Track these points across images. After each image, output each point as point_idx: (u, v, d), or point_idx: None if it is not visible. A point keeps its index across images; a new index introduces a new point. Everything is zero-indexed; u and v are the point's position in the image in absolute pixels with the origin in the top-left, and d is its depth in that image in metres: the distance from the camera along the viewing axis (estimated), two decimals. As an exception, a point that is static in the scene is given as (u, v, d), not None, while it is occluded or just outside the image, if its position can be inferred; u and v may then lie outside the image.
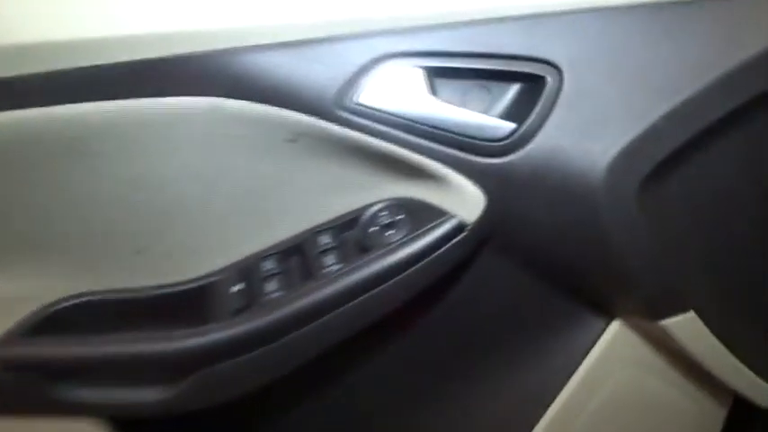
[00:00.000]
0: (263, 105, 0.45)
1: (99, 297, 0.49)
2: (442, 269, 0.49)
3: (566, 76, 0.48)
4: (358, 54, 0.47)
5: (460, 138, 0.48)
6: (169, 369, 0.46)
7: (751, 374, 0.57)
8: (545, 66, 0.48)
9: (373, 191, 0.50)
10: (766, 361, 0.58)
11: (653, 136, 0.47)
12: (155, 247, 0.48)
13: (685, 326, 0.52)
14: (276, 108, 0.45)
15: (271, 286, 0.48)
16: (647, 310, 0.52)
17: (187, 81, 0.44)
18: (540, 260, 0.52)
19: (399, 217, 0.49)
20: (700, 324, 0.53)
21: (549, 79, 0.48)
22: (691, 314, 0.52)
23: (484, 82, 0.49)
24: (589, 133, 0.47)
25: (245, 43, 0.44)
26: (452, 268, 0.50)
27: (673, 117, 0.47)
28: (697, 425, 0.63)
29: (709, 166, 0.51)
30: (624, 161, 0.46)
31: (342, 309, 0.47)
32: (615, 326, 0.55)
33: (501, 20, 0.49)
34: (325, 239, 0.49)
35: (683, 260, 0.52)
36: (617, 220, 0.48)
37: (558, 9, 0.49)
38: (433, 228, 0.48)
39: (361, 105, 0.47)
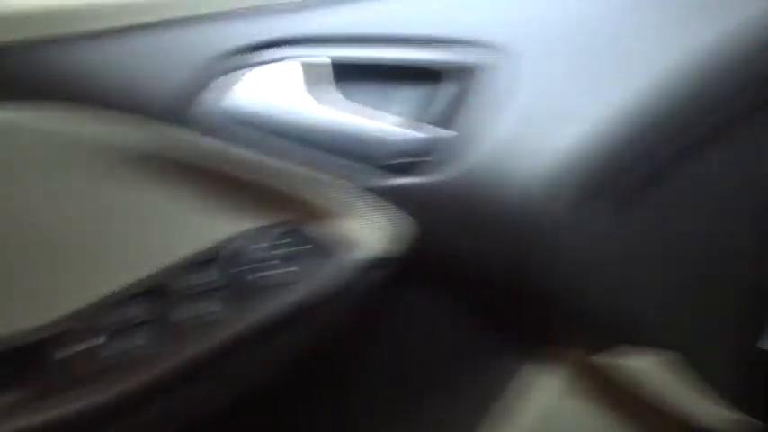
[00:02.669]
0: (88, 111, 0.34)
1: None
2: (346, 309, 0.40)
3: (506, 64, 0.38)
4: (221, 41, 0.36)
5: (365, 151, 0.38)
6: None
7: (718, 407, 0.49)
8: (479, 51, 0.38)
9: (253, 217, 0.39)
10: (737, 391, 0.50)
11: (619, 143, 0.37)
12: None
13: (641, 362, 0.44)
14: (111, 114, 0.35)
15: (119, 344, 0.37)
16: (596, 345, 0.43)
17: None
18: (473, 291, 0.43)
19: (288, 249, 0.39)
20: (659, 359, 0.45)
21: (485, 69, 0.37)
22: (654, 351, 0.44)
23: (397, 76, 0.39)
24: (534, 140, 0.37)
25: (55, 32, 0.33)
26: (363, 304, 0.40)
27: (646, 121, 0.38)
28: None
29: (694, 182, 0.42)
30: (574, 176, 0.37)
31: (219, 369, 0.37)
32: (552, 360, 0.46)
33: None
34: (192, 279, 0.38)
35: (644, 289, 0.44)
36: (564, 248, 0.39)
37: None
38: (335, 261, 0.38)
39: (230, 109, 0.36)
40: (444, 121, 0.38)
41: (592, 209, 0.38)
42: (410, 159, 0.38)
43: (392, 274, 0.40)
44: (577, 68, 0.38)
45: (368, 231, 0.39)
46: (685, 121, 0.38)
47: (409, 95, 0.40)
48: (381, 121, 0.38)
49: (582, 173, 0.37)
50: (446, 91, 0.39)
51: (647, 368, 0.44)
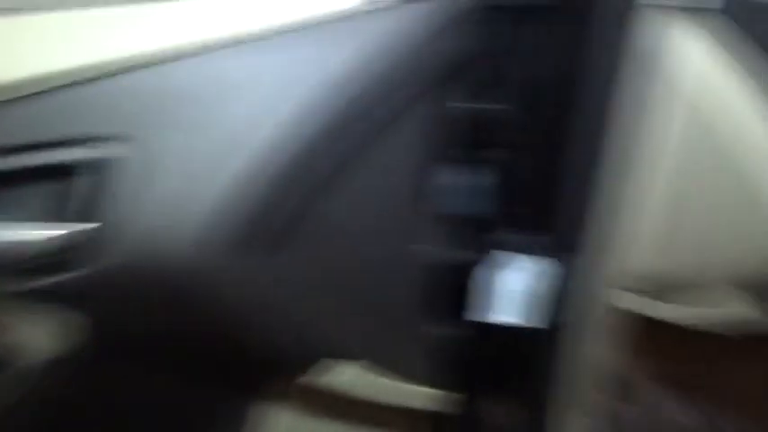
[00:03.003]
0: None
1: None
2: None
3: (136, 152, 0.39)
4: None
5: (6, 259, 0.38)
6: None
7: (420, 389, 0.54)
8: (107, 145, 0.39)
9: None
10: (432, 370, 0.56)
11: (257, 193, 0.39)
12: None
13: (343, 374, 0.48)
14: None
15: None
16: (284, 371, 0.47)
17: None
18: (160, 362, 0.46)
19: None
20: (354, 368, 0.49)
21: (113, 159, 0.38)
22: (343, 362, 0.48)
23: (30, 178, 0.39)
24: (177, 213, 0.39)
25: None
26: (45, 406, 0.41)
27: (278, 167, 0.39)
28: None
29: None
30: (222, 235, 0.39)
31: None
32: (272, 391, 0.51)
33: (35, 97, 0.37)
34: None
35: (321, 313, 0.47)
36: (232, 298, 0.41)
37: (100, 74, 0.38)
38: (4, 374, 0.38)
39: None
40: (86, 214, 0.39)
41: (248, 256, 0.40)
42: (54, 258, 0.38)
43: (73, 369, 0.40)
44: (203, 140, 0.39)
45: (31, 336, 0.38)
46: (315, 157, 0.40)
47: (45, 196, 0.40)
48: (16, 227, 0.38)
49: (228, 229, 0.39)
50: (81, 186, 0.39)
51: (348, 378, 0.48)
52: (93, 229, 0.38)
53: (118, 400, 0.46)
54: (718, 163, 0.47)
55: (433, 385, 0.55)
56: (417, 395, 0.53)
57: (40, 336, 0.38)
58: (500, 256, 0.62)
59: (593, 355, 0.68)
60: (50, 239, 0.38)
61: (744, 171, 0.46)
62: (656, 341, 1.02)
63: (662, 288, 0.60)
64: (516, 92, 0.56)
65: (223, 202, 0.38)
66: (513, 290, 0.66)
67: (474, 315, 0.62)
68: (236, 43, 0.39)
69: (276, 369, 0.48)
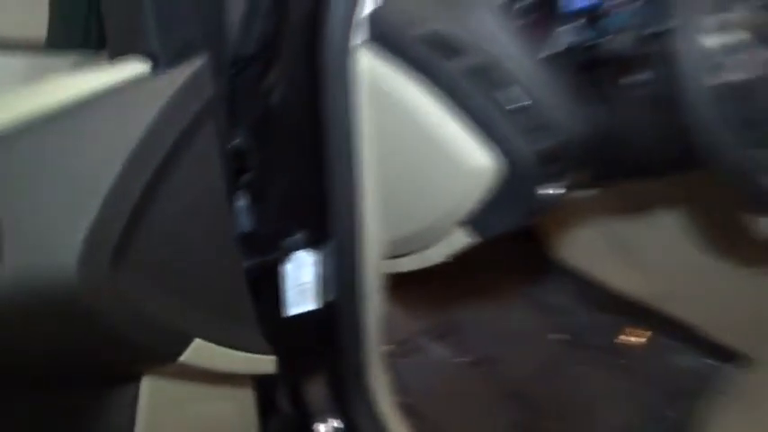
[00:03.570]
0: None
1: None
2: None
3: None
4: None
5: None
6: None
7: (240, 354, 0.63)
8: None
9: None
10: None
11: (95, 227, 0.45)
12: None
13: (196, 352, 0.56)
14: None
15: None
16: (165, 358, 0.55)
17: None
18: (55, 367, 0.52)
19: None
20: (205, 344, 0.58)
21: None
22: (196, 342, 0.56)
23: None
24: (45, 245, 0.45)
25: None
26: None
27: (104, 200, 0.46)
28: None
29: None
30: (88, 252, 0.45)
31: None
32: (146, 382, 0.58)
33: None
34: None
35: (169, 300, 0.54)
36: (94, 304, 0.47)
37: None
38: None
39: None
40: None
41: (106, 270, 0.46)
42: None
43: None
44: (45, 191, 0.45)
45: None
46: (132, 189, 0.47)
47: None
48: None
49: (89, 253, 0.44)
50: None
51: (196, 354, 0.56)
52: None
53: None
54: (412, 145, 0.69)
55: (261, 353, 0.66)
56: (250, 362, 0.64)
57: None
58: (292, 255, 0.77)
59: (375, 320, 0.84)
60: None
61: (430, 147, 0.68)
62: (415, 298, 1.26)
63: (400, 247, 0.81)
64: (261, 124, 0.72)
65: (83, 233, 0.44)
66: (301, 282, 0.81)
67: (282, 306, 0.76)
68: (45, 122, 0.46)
69: (150, 356, 0.54)
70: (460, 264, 0.81)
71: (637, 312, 1.28)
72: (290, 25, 0.68)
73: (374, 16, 0.67)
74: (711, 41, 0.60)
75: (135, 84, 0.49)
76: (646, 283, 1.26)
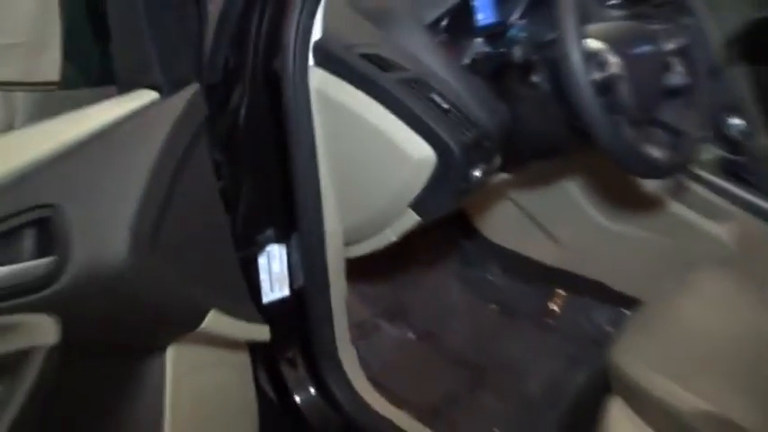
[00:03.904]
0: None
1: None
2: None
3: (65, 209, 0.55)
4: None
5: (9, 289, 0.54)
6: None
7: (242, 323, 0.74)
8: (45, 209, 0.56)
9: None
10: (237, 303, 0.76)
11: (135, 222, 0.56)
12: None
13: (212, 321, 0.66)
14: None
15: None
16: (191, 325, 0.65)
17: None
18: (105, 338, 0.63)
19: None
20: (219, 315, 0.68)
21: (54, 217, 0.55)
22: (212, 312, 0.67)
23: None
24: (100, 239, 0.55)
25: None
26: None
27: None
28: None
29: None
30: (134, 242, 0.55)
31: None
32: (171, 351, 0.68)
33: None
34: None
35: (190, 278, 0.65)
36: (139, 283, 0.57)
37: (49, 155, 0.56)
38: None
39: None
40: (47, 251, 0.55)
41: (147, 256, 0.57)
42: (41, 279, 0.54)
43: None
44: (100, 196, 0.57)
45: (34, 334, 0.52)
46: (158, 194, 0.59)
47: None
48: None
49: (133, 244, 0.55)
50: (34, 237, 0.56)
51: (212, 322, 0.66)
52: (46, 264, 0.54)
53: (79, 384, 0.58)
54: (363, 145, 0.83)
55: (259, 323, 0.78)
56: (252, 330, 0.76)
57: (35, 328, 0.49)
58: (265, 249, 0.89)
59: (341, 301, 0.97)
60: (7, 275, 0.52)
61: (379, 145, 0.81)
62: (366, 285, 1.39)
63: (358, 233, 0.94)
64: (230, 139, 0.83)
65: (130, 227, 0.55)
66: (274, 272, 0.94)
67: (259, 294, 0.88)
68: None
69: (175, 326, 0.65)
70: (401, 250, 0.95)
71: (556, 278, 1.48)
72: (250, 55, 0.81)
73: (319, 43, 0.81)
74: (587, 47, 0.79)
75: (150, 109, 0.61)
76: (558, 252, 1.46)
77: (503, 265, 1.56)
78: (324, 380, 0.98)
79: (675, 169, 0.92)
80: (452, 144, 0.78)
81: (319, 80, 0.81)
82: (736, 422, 0.66)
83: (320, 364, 0.98)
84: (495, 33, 0.96)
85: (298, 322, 0.96)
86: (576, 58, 0.73)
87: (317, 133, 0.83)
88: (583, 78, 0.74)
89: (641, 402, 0.74)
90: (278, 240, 0.92)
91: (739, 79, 1.45)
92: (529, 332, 1.44)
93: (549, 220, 1.45)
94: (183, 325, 0.65)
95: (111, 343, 0.63)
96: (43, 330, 0.50)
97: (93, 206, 0.55)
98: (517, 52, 0.87)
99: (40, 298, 0.53)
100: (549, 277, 1.49)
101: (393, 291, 1.44)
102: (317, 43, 0.80)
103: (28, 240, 0.55)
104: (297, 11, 0.76)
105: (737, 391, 0.71)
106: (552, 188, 1.40)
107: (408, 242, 0.94)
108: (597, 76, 0.77)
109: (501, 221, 1.55)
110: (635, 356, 0.77)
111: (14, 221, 0.54)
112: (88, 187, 0.56)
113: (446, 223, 0.87)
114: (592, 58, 0.76)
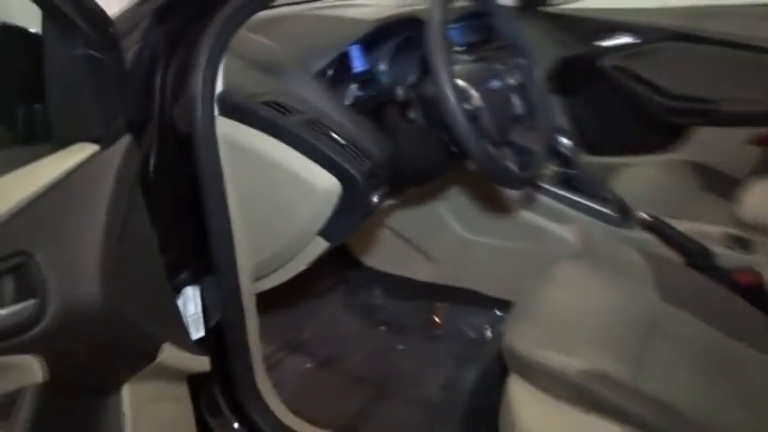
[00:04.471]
0: None
1: None
2: None
3: (38, 254, 0.58)
4: None
5: None
6: None
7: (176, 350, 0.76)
8: (21, 256, 0.58)
9: None
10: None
11: (102, 264, 0.60)
12: None
13: (165, 353, 0.71)
14: None
15: None
16: (148, 359, 0.69)
17: None
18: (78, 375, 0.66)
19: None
20: (170, 347, 0.73)
21: (30, 263, 0.58)
22: (164, 345, 0.71)
23: None
24: (74, 279, 0.59)
25: None
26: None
27: None
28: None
29: None
30: (103, 279, 0.59)
31: None
32: (127, 387, 0.70)
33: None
34: None
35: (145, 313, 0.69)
36: (110, 318, 0.61)
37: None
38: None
39: None
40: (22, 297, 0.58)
41: (115, 291, 0.61)
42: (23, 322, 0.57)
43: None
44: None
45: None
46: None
47: None
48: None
49: (108, 278, 0.59)
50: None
51: (166, 354, 0.71)
52: (28, 307, 0.55)
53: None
54: (271, 183, 0.91)
55: (200, 354, 0.82)
56: (196, 361, 0.80)
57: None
58: (183, 291, 0.92)
59: (254, 333, 1.02)
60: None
61: (286, 181, 0.89)
62: (267, 322, 1.44)
63: (268, 266, 1.01)
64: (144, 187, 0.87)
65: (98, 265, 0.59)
66: (189, 313, 0.96)
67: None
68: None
69: (137, 360, 0.67)
70: (295, 289, 1.02)
71: (435, 293, 1.64)
72: (156, 107, 0.86)
73: (223, 94, 0.88)
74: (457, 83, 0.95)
75: (94, 160, 0.64)
76: (434, 268, 1.62)
77: (385, 288, 1.69)
78: (245, 411, 1.02)
79: (530, 180, 1.11)
80: (356, 173, 0.89)
81: (226, 128, 0.88)
82: (610, 374, 0.83)
83: (240, 394, 1.02)
84: (366, 79, 1.11)
85: (215, 358, 0.98)
86: (451, 94, 0.89)
87: (226, 178, 0.89)
88: (458, 110, 0.90)
89: (536, 374, 0.88)
90: (192, 282, 0.96)
91: (558, 107, 1.75)
92: (419, 344, 1.57)
93: (422, 241, 1.62)
94: (143, 358, 0.67)
95: (78, 381, 0.64)
96: (31, 370, 0.52)
97: (62, 249, 0.58)
98: (399, 92, 1.01)
99: (24, 340, 0.55)
100: (428, 293, 1.65)
101: (290, 325, 1.51)
102: (220, 95, 0.87)
103: (8, 286, 0.56)
104: (202, 65, 0.83)
105: (607, 351, 0.88)
106: (422, 211, 1.56)
107: (299, 278, 1.03)
108: (467, 107, 0.94)
109: (379, 248, 1.69)
110: (524, 338, 0.91)
111: None
112: (55, 233, 0.59)
113: (331, 257, 0.97)
114: (460, 93, 0.93)
